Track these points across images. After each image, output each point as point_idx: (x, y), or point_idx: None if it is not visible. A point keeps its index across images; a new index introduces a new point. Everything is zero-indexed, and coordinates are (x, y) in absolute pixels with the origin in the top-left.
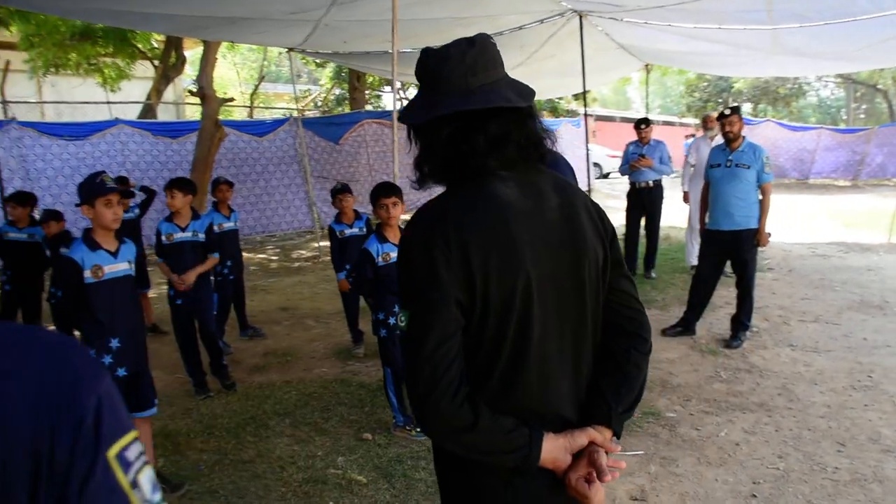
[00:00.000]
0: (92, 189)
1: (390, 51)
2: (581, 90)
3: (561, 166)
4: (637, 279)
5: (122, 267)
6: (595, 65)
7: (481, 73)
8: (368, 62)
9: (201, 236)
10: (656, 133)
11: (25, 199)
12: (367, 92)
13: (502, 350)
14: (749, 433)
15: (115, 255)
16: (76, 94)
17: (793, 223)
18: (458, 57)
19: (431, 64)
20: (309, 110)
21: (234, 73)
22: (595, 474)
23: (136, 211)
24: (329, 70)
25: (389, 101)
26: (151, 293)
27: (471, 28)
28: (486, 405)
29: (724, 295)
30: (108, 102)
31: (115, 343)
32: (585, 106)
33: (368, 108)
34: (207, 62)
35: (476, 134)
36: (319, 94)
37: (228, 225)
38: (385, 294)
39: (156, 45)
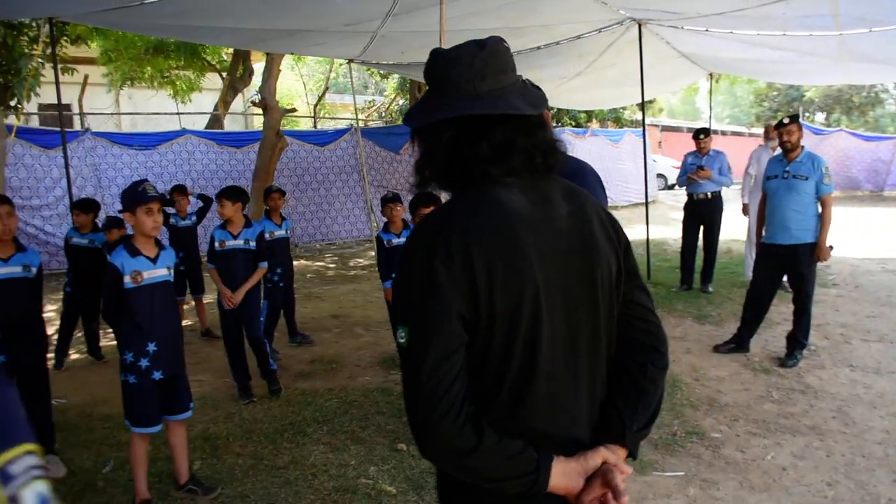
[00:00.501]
0: (134, 197)
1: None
2: (642, 99)
3: (587, 176)
4: (693, 293)
5: (160, 273)
6: (656, 74)
7: (490, 78)
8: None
9: (252, 244)
10: (727, 144)
11: (89, 206)
12: None
13: (510, 365)
14: (798, 458)
15: (154, 261)
16: (150, 106)
17: (864, 237)
18: (466, 60)
19: (439, 66)
20: (372, 120)
21: (300, 84)
22: (610, 496)
23: (193, 218)
24: (394, 80)
25: None
26: (206, 298)
27: (525, 38)
28: (492, 426)
29: (784, 311)
30: (178, 113)
31: (152, 347)
32: (644, 116)
33: None
34: (270, 74)
35: (479, 140)
36: (383, 105)
37: (280, 233)
38: None
39: (225, 57)
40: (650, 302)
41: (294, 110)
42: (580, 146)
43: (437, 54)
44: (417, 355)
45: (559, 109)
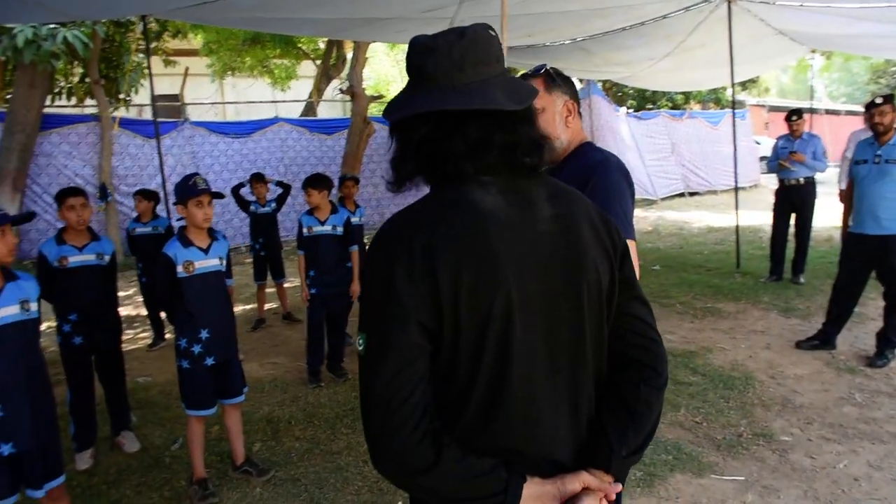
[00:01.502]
0: (185, 190)
1: (529, 44)
2: (736, 79)
3: (609, 171)
4: (783, 285)
5: (212, 263)
6: (750, 53)
7: (470, 69)
8: (515, 57)
9: (340, 230)
10: (840, 124)
11: (150, 194)
12: None
13: (477, 379)
14: (874, 467)
15: (206, 251)
16: (251, 95)
17: None
18: (444, 49)
19: (416, 56)
20: None
21: (396, 70)
22: None
23: (273, 205)
24: None
25: None
26: (288, 284)
27: (609, 19)
28: (462, 443)
29: (880, 306)
30: (276, 101)
31: (204, 334)
32: (734, 96)
33: None
34: (357, 61)
35: (454, 136)
36: None
37: (354, 220)
38: None
39: (319, 46)
40: (650, 316)
41: (381, 97)
42: (677, 129)
43: (415, 43)
44: (373, 364)
45: (654, 91)
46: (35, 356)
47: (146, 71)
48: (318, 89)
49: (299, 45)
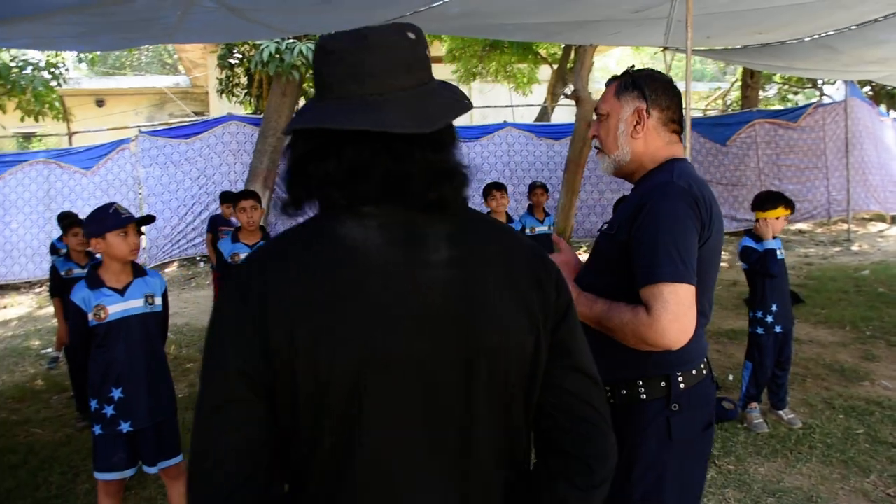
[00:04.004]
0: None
1: (764, 43)
2: None
3: (667, 195)
4: None
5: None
6: None
7: (370, 80)
8: (749, 57)
9: None
10: None
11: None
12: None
13: (315, 457)
14: None
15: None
16: (494, 99)
17: None
18: (338, 55)
19: (315, 59)
20: (710, 110)
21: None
22: None
23: None
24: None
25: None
26: None
27: (852, 11)
28: None
29: None
30: (510, 106)
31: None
32: None
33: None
34: (583, 65)
35: (329, 158)
36: (721, 94)
37: (541, 229)
38: None
39: (556, 51)
40: (593, 393)
41: None
42: None
43: (317, 43)
44: (196, 413)
45: None
46: (156, 345)
47: None
48: (553, 94)
49: (537, 49)
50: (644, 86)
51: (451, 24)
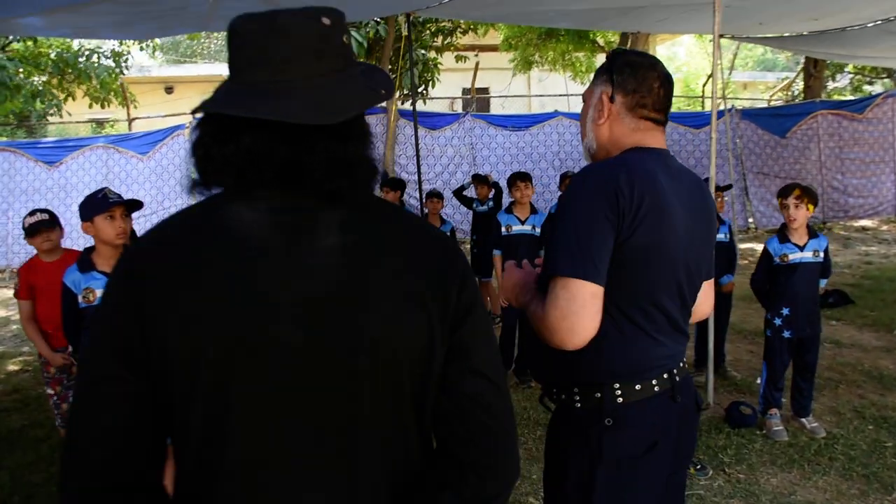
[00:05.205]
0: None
1: (821, 30)
2: None
3: (576, 181)
4: None
5: None
6: None
7: (275, 66)
8: (807, 45)
9: (538, 231)
10: None
11: (397, 184)
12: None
13: (187, 447)
14: None
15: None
16: (545, 88)
17: None
18: (246, 37)
19: (227, 41)
20: (776, 100)
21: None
22: None
23: (490, 204)
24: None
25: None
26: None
27: None
28: None
29: None
30: (565, 95)
31: None
32: None
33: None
34: None
35: (226, 144)
36: (786, 84)
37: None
38: None
39: (614, 39)
40: (493, 399)
41: None
42: None
43: (230, 23)
44: (74, 385)
45: None
46: None
47: (440, 66)
48: None
49: (595, 38)
50: (613, 69)
51: (489, 12)
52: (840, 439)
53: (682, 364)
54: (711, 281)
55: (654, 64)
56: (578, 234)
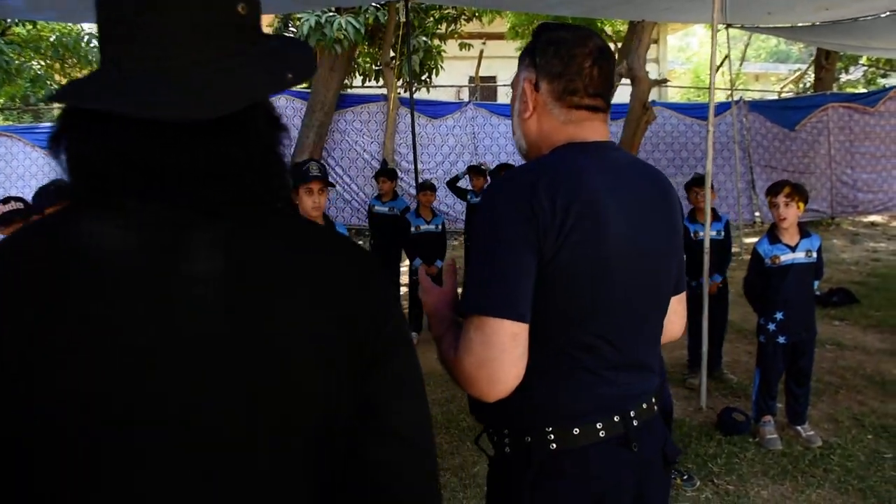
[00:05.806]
0: (297, 175)
1: (833, 20)
2: None
3: (486, 193)
4: None
5: None
6: None
7: (148, 47)
8: (821, 37)
9: None
10: None
11: (393, 174)
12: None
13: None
14: None
15: None
16: None
17: None
18: (117, 14)
19: (96, 9)
20: (786, 93)
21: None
22: None
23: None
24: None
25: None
26: None
27: None
28: None
29: None
30: None
31: None
32: None
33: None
34: (640, 43)
35: (87, 141)
36: (797, 75)
37: None
38: None
39: (622, 28)
40: (412, 464)
41: (665, 81)
42: None
43: None
44: None
45: None
46: None
47: (443, 53)
48: (618, 74)
49: (602, 26)
50: (536, 51)
51: None
52: (837, 449)
53: (644, 405)
54: (683, 296)
55: (586, 38)
56: (492, 263)
